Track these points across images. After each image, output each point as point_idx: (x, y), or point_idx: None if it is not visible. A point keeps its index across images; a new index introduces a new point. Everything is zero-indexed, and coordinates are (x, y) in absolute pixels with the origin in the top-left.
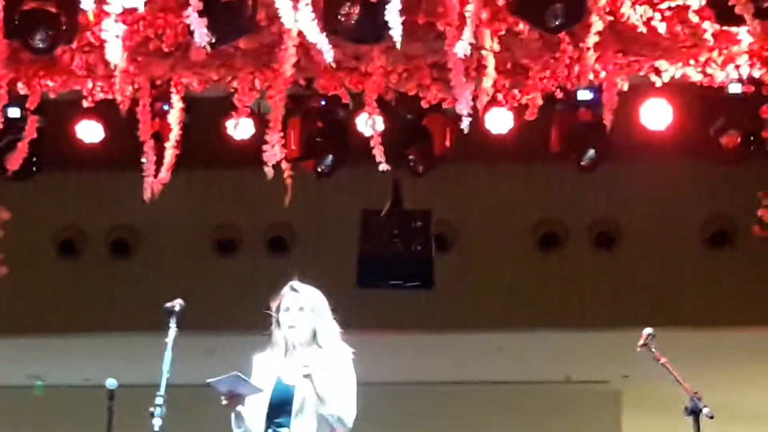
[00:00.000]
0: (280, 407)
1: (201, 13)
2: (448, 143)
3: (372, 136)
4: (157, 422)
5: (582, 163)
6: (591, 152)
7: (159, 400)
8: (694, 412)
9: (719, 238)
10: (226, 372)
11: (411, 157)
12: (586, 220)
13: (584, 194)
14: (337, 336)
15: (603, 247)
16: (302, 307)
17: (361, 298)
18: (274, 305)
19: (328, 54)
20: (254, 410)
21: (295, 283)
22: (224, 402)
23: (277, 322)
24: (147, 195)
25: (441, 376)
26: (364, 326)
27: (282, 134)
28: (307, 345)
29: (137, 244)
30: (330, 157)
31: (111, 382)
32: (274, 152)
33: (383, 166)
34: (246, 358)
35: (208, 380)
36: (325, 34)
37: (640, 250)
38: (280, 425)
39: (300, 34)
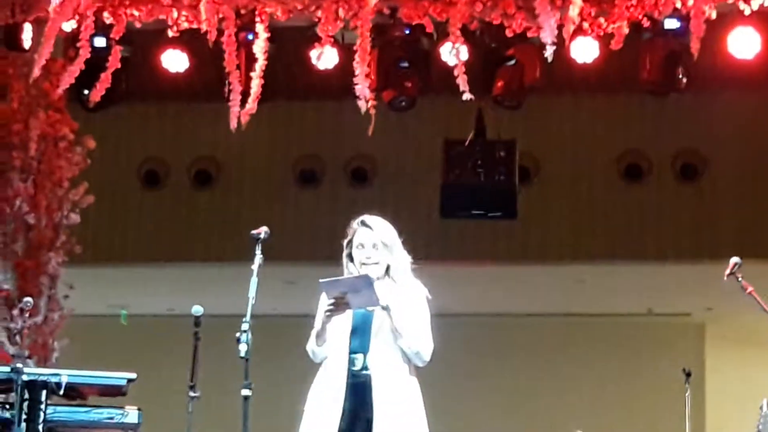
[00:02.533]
0: (358, 332)
1: None
2: (534, 74)
3: (456, 66)
4: (243, 348)
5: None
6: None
7: (245, 326)
8: None
9: None
10: (303, 299)
11: (496, 86)
12: (671, 151)
13: (669, 125)
14: (410, 271)
15: (687, 179)
16: (375, 244)
17: (443, 229)
18: (345, 239)
19: None
20: (335, 332)
21: (367, 218)
22: (328, 306)
23: (349, 256)
24: (233, 125)
25: (522, 307)
26: (446, 257)
27: (366, 64)
28: (380, 281)
29: (219, 175)
30: (410, 89)
31: (197, 309)
32: (363, 84)
33: (467, 96)
34: None
35: (322, 280)
36: None
37: (724, 182)
38: (356, 351)
39: None
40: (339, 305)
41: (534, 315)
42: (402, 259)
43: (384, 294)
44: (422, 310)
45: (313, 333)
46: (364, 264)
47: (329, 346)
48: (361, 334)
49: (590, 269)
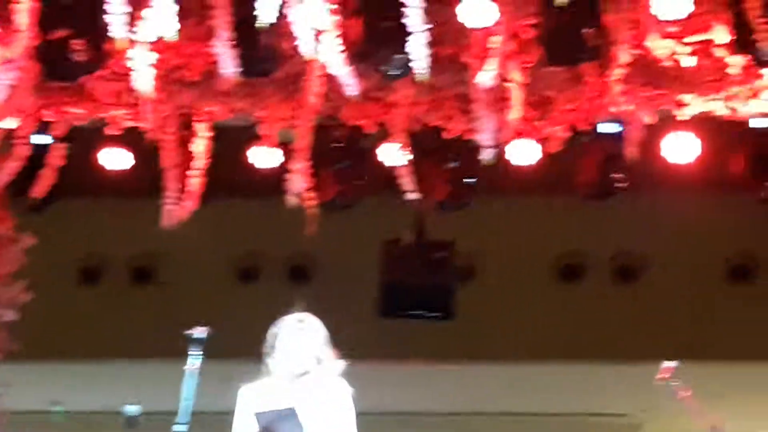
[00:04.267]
0: None
1: (230, 44)
2: (471, 175)
3: (395, 167)
4: None
5: None
6: None
7: (179, 428)
8: None
9: (742, 273)
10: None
11: (439, 190)
12: (608, 252)
13: (606, 226)
14: (338, 372)
15: (624, 280)
16: (305, 340)
17: (382, 328)
18: (273, 332)
19: (352, 87)
20: None
21: (299, 314)
22: None
23: (275, 349)
24: (166, 221)
25: (459, 406)
26: (385, 356)
27: (306, 164)
28: (306, 376)
29: (159, 271)
30: (350, 189)
31: (130, 409)
32: (297, 181)
33: (410, 196)
34: None
35: (257, 411)
36: (351, 66)
37: (661, 283)
38: None
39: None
40: None
41: (471, 414)
42: (329, 361)
43: (304, 394)
44: (347, 414)
45: None
46: (292, 358)
47: None
48: None
49: (527, 369)
